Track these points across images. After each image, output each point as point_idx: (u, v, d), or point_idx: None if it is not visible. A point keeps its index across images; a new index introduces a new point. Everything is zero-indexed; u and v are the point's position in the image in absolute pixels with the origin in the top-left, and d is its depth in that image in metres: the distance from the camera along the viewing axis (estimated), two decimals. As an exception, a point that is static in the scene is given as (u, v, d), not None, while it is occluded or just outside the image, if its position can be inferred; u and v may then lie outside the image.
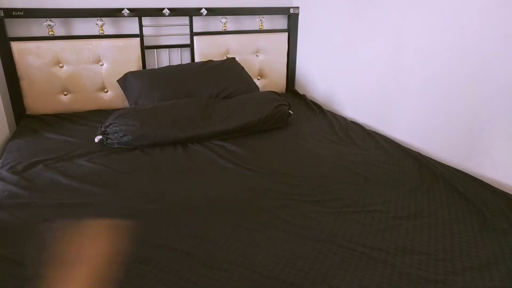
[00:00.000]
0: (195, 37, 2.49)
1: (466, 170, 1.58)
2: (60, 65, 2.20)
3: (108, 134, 1.79)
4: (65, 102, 2.27)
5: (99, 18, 2.25)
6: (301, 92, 2.77)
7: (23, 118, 2.18)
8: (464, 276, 1.00)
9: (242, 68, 2.47)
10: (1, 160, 1.67)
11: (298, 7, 2.70)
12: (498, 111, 1.47)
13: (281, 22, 2.79)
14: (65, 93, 2.26)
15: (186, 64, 2.45)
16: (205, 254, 1.08)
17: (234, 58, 2.52)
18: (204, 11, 2.44)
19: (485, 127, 1.53)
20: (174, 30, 2.49)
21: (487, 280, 0.99)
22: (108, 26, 2.33)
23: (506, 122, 1.45)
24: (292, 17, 2.72)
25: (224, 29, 2.59)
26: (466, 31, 1.56)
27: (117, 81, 2.29)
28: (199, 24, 2.56)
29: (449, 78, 1.66)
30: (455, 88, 1.64)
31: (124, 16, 2.27)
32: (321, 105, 2.47)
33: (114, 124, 1.79)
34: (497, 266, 1.04)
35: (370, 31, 2.09)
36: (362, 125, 2.13)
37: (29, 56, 2.12)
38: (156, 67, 2.49)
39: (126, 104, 2.32)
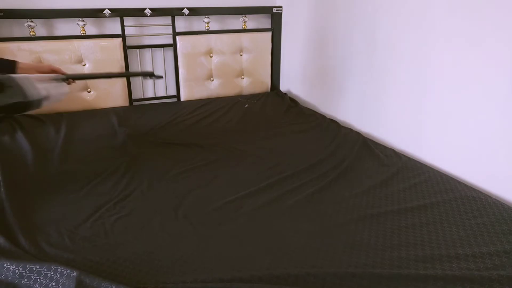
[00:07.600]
0: (177, 37, 2.51)
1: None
2: (42, 65, 2.23)
3: None
4: (48, 102, 2.28)
5: (80, 19, 2.27)
6: (285, 90, 2.79)
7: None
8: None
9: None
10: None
11: (281, 7, 2.72)
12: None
13: (264, 21, 2.81)
14: (48, 93, 2.28)
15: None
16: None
17: None
18: (186, 11, 2.46)
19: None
20: (157, 30, 2.51)
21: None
22: (90, 26, 2.35)
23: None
24: (275, 16, 2.73)
25: (207, 29, 2.60)
26: (436, 26, 1.58)
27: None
28: (182, 23, 2.58)
29: (416, 78, 1.68)
30: (420, 84, 1.66)
31: (106, 17, 2.29)
32: (299, 103, 2.53)
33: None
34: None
35: (347, 29, 2.10)
36: (339, 122, 2.15)
37: (10, 57, 2.12)
38: (139, 66, 2.51)
39: (109, 104, 2.35)
